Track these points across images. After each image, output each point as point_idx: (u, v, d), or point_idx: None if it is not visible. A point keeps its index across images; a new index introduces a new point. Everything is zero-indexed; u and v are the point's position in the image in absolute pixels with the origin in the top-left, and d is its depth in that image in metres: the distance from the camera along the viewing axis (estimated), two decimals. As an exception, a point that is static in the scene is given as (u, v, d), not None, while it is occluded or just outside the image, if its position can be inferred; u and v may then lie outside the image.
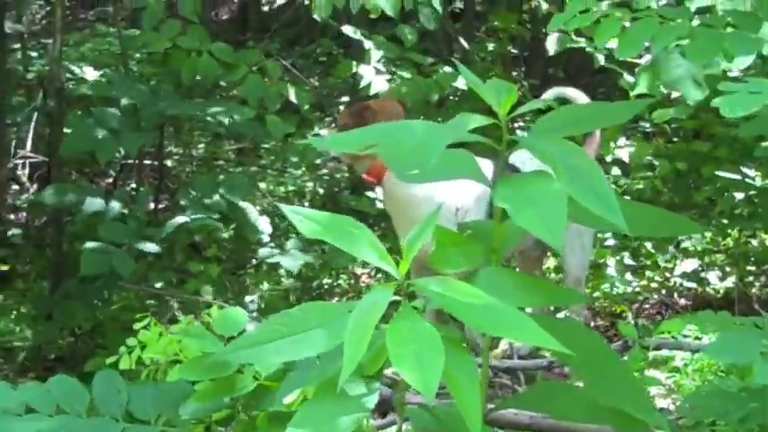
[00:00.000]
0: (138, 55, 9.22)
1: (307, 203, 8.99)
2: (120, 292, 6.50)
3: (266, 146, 10.18)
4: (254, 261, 6.53)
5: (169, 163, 9.01)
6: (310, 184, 9.25)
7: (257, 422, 2.43)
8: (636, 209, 2.43)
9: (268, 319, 2.24)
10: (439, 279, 2.20)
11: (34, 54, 9.65)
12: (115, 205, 5.53)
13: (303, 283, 7.10)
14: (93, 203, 5.53)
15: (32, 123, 9.06)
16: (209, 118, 5.79)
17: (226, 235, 7.53)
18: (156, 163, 8.67)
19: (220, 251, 7.30)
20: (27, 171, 9.22)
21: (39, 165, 9.30)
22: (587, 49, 6.60)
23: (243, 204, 5.70)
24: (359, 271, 7.69)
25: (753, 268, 6.88)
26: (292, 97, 6.00)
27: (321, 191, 9.20)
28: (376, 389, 2.22)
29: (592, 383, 2.38)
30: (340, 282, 7.43)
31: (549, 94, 5.46)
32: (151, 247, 5.39)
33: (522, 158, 5.32)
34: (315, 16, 5.48)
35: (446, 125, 2.32)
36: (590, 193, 2.25)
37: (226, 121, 5.68)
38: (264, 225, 5.78)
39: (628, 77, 6.60)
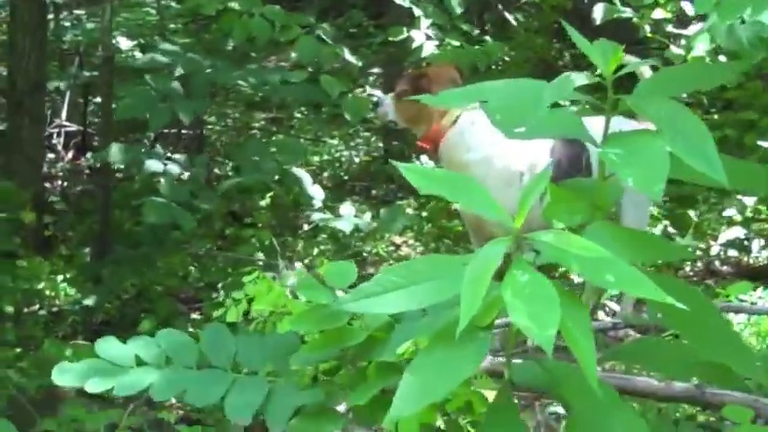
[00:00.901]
0: (172, 26, 9.28)
1: (342, 173, 9.08)
2: (167, 258, 6.56)
3: (299, 115, 10.27)
4: (305, 226, 6.58)
5: (203, 131, 9.07)
6: (346, 153, 9.33)
7: (368, 372, 2.49)
8: (733, 164, 2.46)
9: (382, 271, 2.28)
10: (554, 232, 2.24)
11: (67, 24, 9.71)
12: (174, 168, 5.59)
13: (340, 248, 7.17)
14: (153, 165, 5.59)
15: (67, 93, 9.15)
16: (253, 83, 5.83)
17: (263, 203, 7.61)
18: (190, 132, 8.75)
19: (265, 217, 7.36)
20: (62, 140, 9.31)
21: (73, 134, 9.41)
22: (634, 20, 6.62)
23: (296, 170, 5.75)
24: (398, 240, 7.77)
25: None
26: (347, 56, 6.03)
27: (357, 160, 9.28)
28: (487, 339, 2.27)
29: (695, 338, 2.42)
30: (378, 250, 7.50)
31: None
32: (209, 202, 5.46)
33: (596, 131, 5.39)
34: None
35: (552, 84, 2.36)
36: (694, 150, 2.29)
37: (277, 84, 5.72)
38: (317, 192, 5.82)
39: (674, 48, 6.63)
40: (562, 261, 2.24)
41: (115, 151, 5.65)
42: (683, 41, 6.73)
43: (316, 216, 6.00)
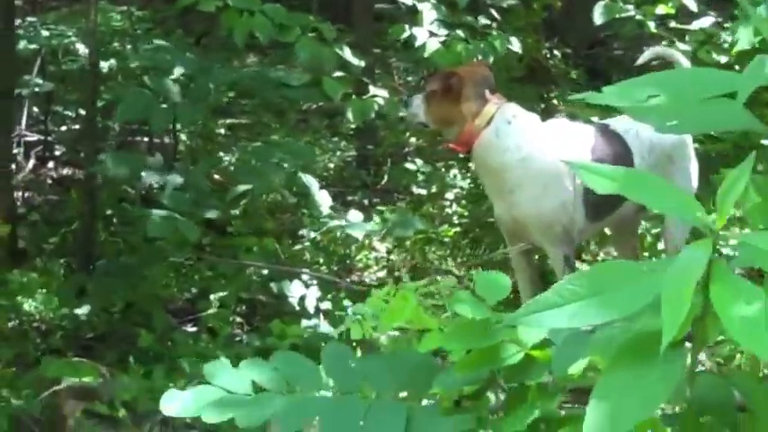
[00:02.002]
0: (138, 31, 8.94)
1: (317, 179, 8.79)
2: (161, 267, 6.26)
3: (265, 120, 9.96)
4: (312, 234, 6.29)
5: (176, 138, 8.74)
6: (319, 159, 9.03)
7: (525, 396, 2.22)
8: None
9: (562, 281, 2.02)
10: (760, 233, 2.00)
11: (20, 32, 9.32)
12: (176, 177, 5.28)
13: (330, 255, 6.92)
14: (151, 175, 5.29)
15: (26, 101, 8.77)
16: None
17: (238, 210, 7.30)
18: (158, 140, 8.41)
19: (242, 225, 7.07)
20: (22, 149, 8.92)
21: (33, 143, 9.02)
22: (637, 17, 6.46)
23: (304, 176, 5.48)
24: (380, 246, 7.52)
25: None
26: (348, 57, 5.77)
27: (332, 165, 9.00)
28: (684, 355, 2.02)
29: None
30: (362, 257, 7.24)
31: (647, 54, 5.31)
32: (212, 213, 5.18)
33: (625, 127, 5.21)
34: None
35: (749, 70, 2.12)
36: None
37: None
38: (324, 198, 5.54)
39: (680, 45, 6.48)
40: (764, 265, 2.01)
41: (112, 162, 5.33)
42: (687, 37, 6.61)
43: (331, 222, 5.72)
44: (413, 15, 6.23)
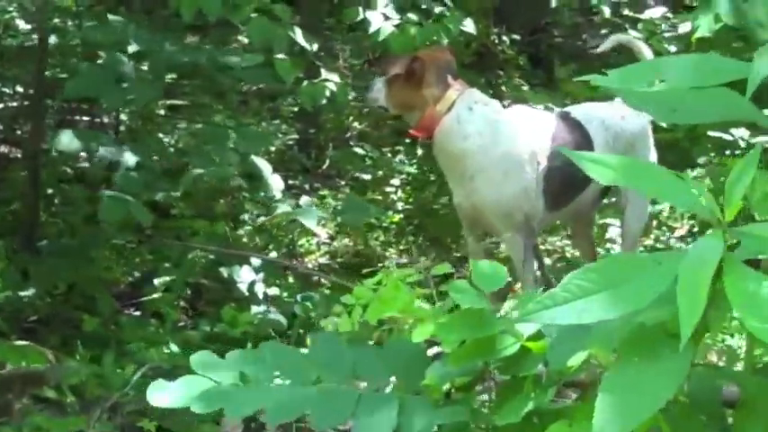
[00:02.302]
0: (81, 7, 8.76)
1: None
2: (104, 249, 6.14)
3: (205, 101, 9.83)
4: (261, 218, 6.20)
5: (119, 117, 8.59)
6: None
7: (525, 387, 2.18)
8: None
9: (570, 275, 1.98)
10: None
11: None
12: (130, 157, 5.16)
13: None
14: (108, 153, 5.15)
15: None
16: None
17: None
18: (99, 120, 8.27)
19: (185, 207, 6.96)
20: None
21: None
22: (593, 1, 6.47)
23: (257, 159, 5.39)
24: (321, 232, 7.44)
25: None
26: (300, 39, 5.68)
27: (273, 148, 8.90)
28: (691, 349, 1.99)
29: None
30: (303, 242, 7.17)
31: (609, 42, 5.31)
32: (168, 198, 5.06)
33: (586, 115, 5.20)
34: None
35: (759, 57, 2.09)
36: None
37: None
38: (277, 182, 5.45)
39: (631, 31, 6.51)
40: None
41: (66, 138, 5.19)
42: (639, 25, 6.64)
43: (282, 207, 5.63)
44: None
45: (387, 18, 6.04)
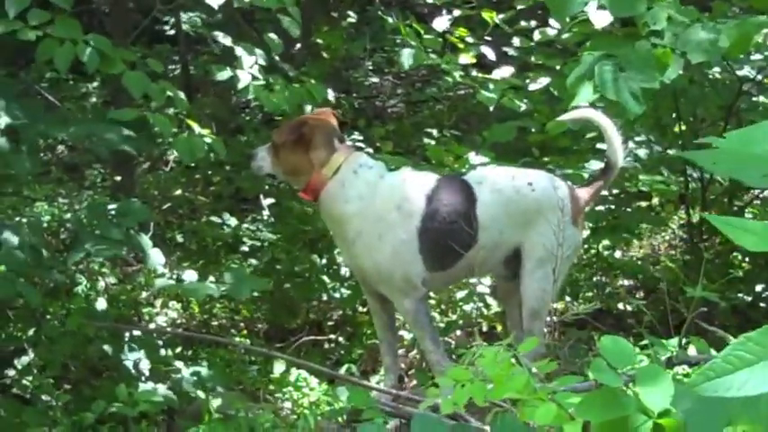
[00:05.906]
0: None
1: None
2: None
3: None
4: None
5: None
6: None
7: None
8: None
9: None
10: None
11: None
12: (10, 236, 5.02)
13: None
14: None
15: None
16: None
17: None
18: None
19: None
20: None
21: None
22: (442, 66, 6.68)
23: (138, 235, 5.32)
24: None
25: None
26: (177, 93, 5.66)
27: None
28: None
29: None
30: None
31: (567, 116, 5.27)
32: (59, 277, 4.95)
33: (479, 178, 5.21)
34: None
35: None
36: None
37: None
38: (157, 256, 5.39)
39: (484, 93, 6.70)
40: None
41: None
42: (491, 85, 6.81)
43: (160, 282, 5.56)
44: (232, 58, 6.18)
45: (255, 78, 6.08)
